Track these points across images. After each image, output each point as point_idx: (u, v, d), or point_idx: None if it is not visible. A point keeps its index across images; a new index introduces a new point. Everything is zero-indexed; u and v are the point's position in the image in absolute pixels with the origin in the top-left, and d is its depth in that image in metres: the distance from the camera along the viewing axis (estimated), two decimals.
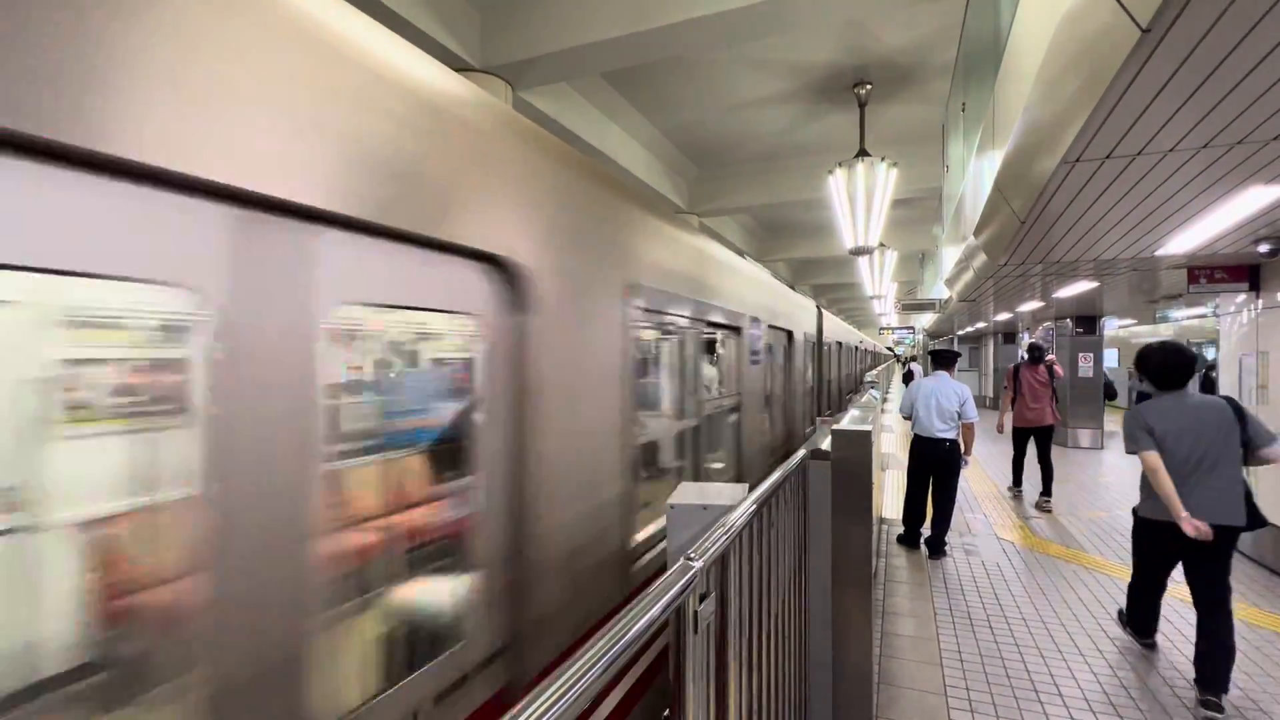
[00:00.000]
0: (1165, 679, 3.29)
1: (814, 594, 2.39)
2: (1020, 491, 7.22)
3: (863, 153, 6.60)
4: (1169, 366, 3.29)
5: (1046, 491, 6.77)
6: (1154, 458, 3.15)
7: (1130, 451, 3.30)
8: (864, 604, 2.38)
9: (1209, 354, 16.90)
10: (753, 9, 4.35)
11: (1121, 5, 1.68)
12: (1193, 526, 2.99)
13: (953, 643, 3.71)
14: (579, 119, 6.90)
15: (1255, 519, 3.07)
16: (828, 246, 13.64)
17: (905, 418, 5.48)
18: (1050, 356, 7.18)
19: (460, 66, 5.08)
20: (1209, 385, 10.90)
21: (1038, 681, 3.28)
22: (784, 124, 7.98)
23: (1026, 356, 7.24)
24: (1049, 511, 6.55)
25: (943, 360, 5.53)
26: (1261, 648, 3.63)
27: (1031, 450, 6.94)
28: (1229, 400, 3.22)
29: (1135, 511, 3.48)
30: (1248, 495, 3.07)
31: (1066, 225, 3.89)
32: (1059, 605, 4.24)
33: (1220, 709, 2.98)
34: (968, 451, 5.28)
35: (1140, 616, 3.66)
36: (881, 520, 5.80)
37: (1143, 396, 13.27)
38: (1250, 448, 3.10)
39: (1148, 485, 3.27)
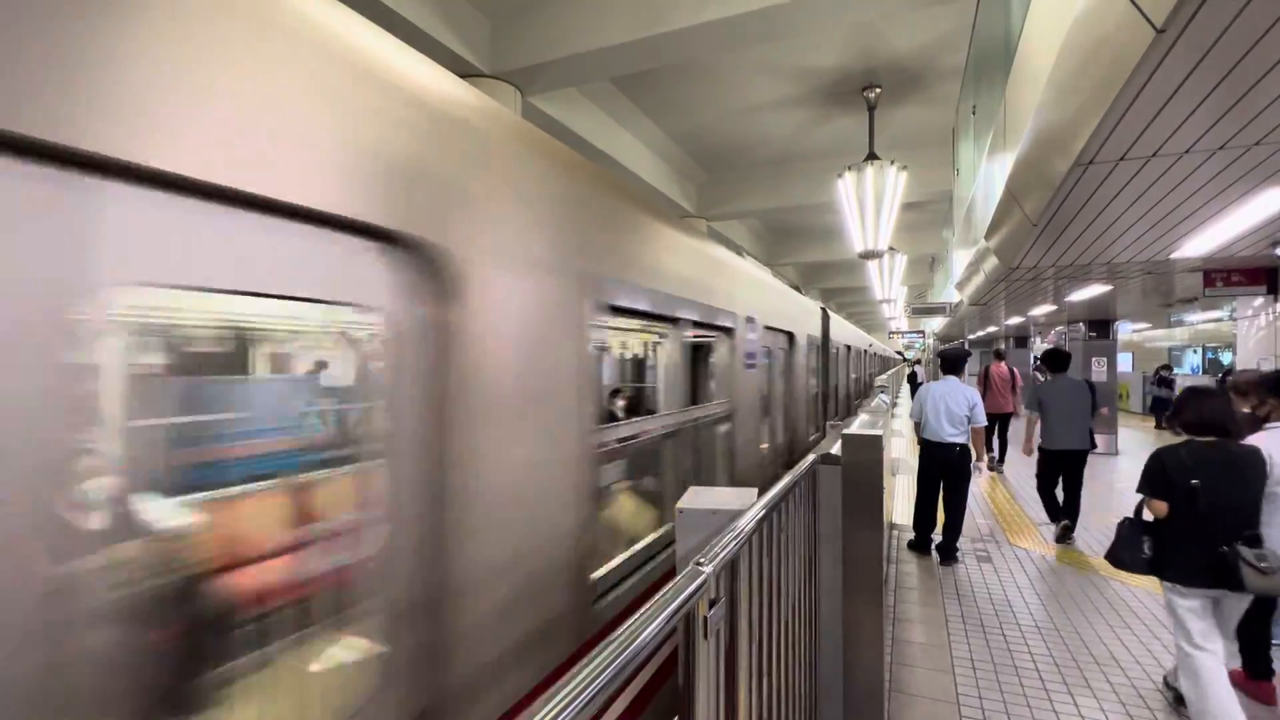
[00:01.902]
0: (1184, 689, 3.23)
1: (824, 600, 2.37)
2: (981, 467, 8.83)
3: (872, 156, 6.57)
4: (1056, 361, 5.88)
5: (1001, 460, 9.18)
6: (1034, 417, 5.75)
7: (1029, 408, 5.84)
8: (875, 610, 2.36)
9: (1225, 359, 16.69)
10: (761, 13, 4.35)
11: (1136, 5, 1.67)
12: (1029, 449, 6.06)
13: (965, 650, 3.66)
14: (587, 124, 6.93)
15: (1092, 444, 5.77)
16: (837, 250, 13.58)
17: (915, 423, 5.44)
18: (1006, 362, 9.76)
19: (469, 72, 5.12)
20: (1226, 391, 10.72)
21: (1052, 690, 3.23)
22: (793, 128, 7.97)
23: (994, 358, 9.63)
24: (1000, 472, 8.81)
25: (951, 364, 5.47)
26: None
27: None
28: (1087, 381, 6.04)
29: (1038, 449, 5.83)
30: (1091, 434, 5.72)
31: (1080, 228, 3.86)
32: (1073, 612, 4.18)
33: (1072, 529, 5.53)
34: (979, 459, 5.22)
35: (1052, 509, 5.88)
36: (892, 526, 5.75)
37: (1157, 400, 13.54)
38: (1095, 408, 5.73)
39: (1042, 433, 5.70)
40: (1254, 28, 1.64)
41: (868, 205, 6.70)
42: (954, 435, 5.06)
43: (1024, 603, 4.35)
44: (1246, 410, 3.25)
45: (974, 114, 5.56)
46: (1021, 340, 17.72)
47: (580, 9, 4.94)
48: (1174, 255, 4.63)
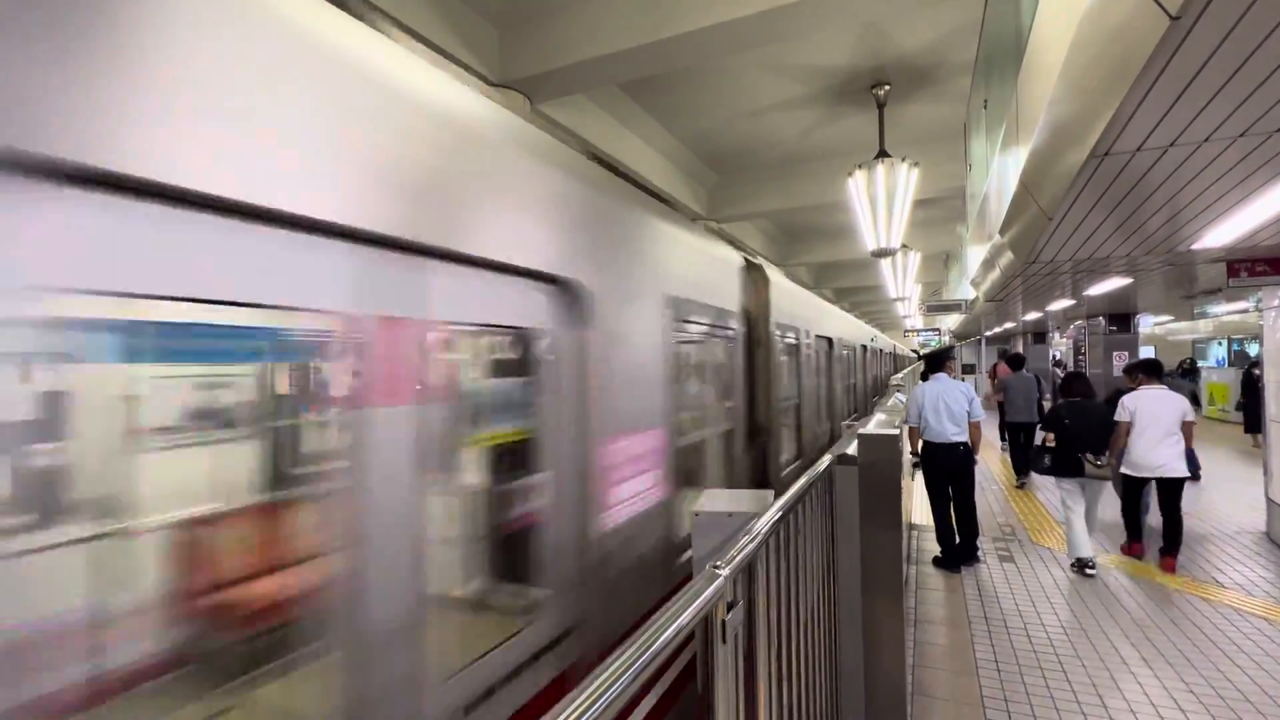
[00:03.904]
0: (1215, 689, 3.16)
1: (844, 602, 2.34)
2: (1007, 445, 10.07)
3: (883, 154, 6.52)
4: (1015, 362, 8.46)
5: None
6: (1000, 396, 8.66)
7: (996, 392, 8.89)
8: (895, 612, 2.33)
9: (1252, 350, 16.31)
10: (767, 14, 4.34)
11: None
12: (991, 404, 9.30)
13: (989, 651, 3.61)
14: (597, 130, 6.95)
15: (1040, 418, 6.70)
16: (849, 249, 13.48)
17: (912, 427, 5.14)
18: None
19: (480, 82, 5.17)
20: (1252, 382, 10.50)
21: (1079, 691, 3.17)
22: (802, 127, 7.94)
23: (998, 356, 11.43)
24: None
25: (938, 363, 5.36)
26: None
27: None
28: (1035, 375, 8.37)
29: (1007, 420, 8.51)
30: (1041, 409, 7.64)
31: (1096, 221, 3.80)
32: (1099, 611, 4.10)
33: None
34: (975, 451, 5.10)
35: (1017, 462, 8.05)
36: (911, 526, 5.68)
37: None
38: (1041, 392, 8.29)
39: (1007, 410, 8.50)
40: (1273, 11, 1.60)
41: (879, 203, 6.65)
42: (957, 434, 4.93)
43: (1048, 601, 4.28)
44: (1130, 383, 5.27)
45: (985, 108, 5.51)
46: (1040, 336, 17.48)
47: (587, 16, 4.97)
48: (1195, 246, 4.54)
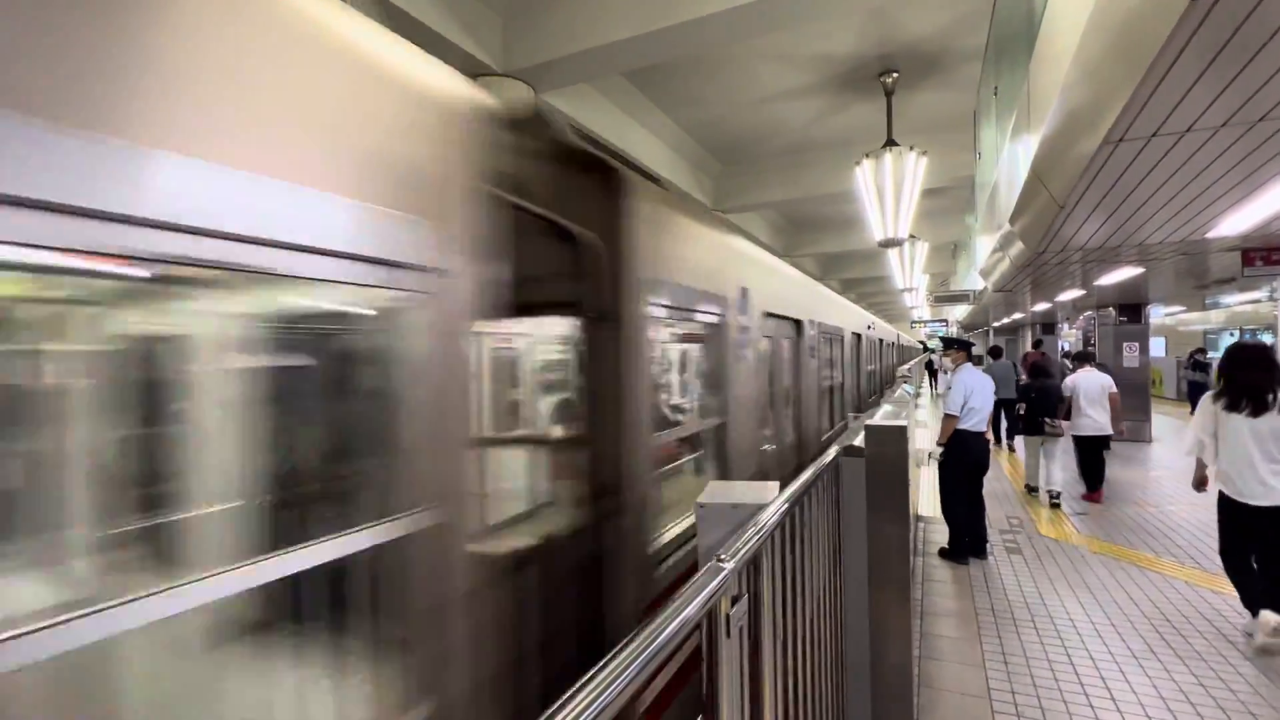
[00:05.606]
0: (1224, 681, 3.14)
1: (850, 595, 2.33)
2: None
3: (891, 142, 6.45)
4: (996, 354, 10.23)
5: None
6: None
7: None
8: (902, 604, 2.32)
9: (1265, 340, 16.13)
10: (772, 0, 4.28)
11: None
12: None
13: (995, 644, 3.60)
14: (601, 119, 6.90)
15: (1019, 397, 7.69)
16: (857, 239, 13.38)
17: (953, 415, 5.01)
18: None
19: (483, 71, 5.13)
20: None
21: (1087, 684, 3.16)
22: (809, 116, 7.85)
23: (1033, 347, 11.67)
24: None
25: (971, 351, 5.51)
26: None
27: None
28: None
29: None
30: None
31: (1109, 209, 3.74)
32: (1107, 604, 4.08)
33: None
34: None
35: (1000, 433, 10.04)
36: (918, 518, 5.66)
37: (1192, 385, 13.98)
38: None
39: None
40: None
41: (887, 193, 6.58)
42: (983, 424, 5.01)
43: (1055, 594, 4.26)
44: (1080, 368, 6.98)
45: (996, 96, 5.43)
46: (1048, 327, 17.34)
47: (591, 3, 4.92)
48: (1209, 234, 4.47)
